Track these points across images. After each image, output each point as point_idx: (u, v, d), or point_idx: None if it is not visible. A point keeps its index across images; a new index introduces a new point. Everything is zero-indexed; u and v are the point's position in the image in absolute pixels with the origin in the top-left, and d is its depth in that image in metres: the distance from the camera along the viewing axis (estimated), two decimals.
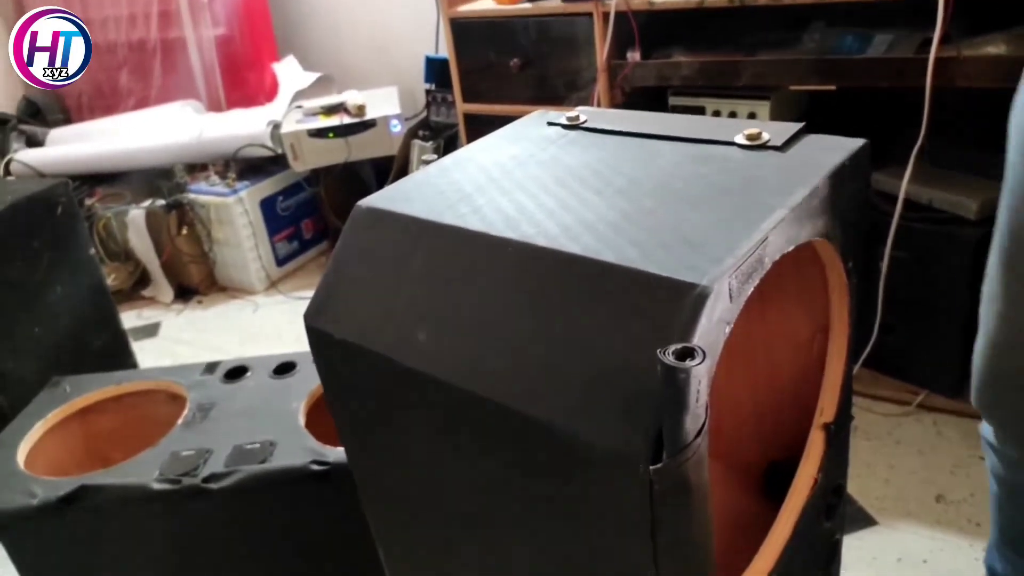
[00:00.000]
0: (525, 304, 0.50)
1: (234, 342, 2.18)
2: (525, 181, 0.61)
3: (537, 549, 0.55)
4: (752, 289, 0.47)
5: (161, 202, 2.36)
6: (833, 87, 1.63)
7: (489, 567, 0.62)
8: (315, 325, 0.61)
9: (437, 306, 0.54)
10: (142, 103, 2.81)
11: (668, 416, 0.39)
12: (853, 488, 1.38)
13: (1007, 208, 0.72)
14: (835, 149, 0.58)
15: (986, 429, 0.86)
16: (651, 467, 0.41)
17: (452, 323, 0.53)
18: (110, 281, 2.31)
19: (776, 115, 1.54)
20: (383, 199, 0.62)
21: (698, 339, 0.42)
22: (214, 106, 2.72)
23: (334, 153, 2.32)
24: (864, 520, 1.33)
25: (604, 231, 0.51)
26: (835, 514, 0.74)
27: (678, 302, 0.43)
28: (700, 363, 0.38)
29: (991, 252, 0.75)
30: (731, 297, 0.45)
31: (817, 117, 1.60)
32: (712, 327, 0.43)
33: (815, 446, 0.68)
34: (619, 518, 0.45)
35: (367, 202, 0.62)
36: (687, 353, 0.39)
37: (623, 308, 0.46)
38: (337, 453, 0.98)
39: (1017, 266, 0.72)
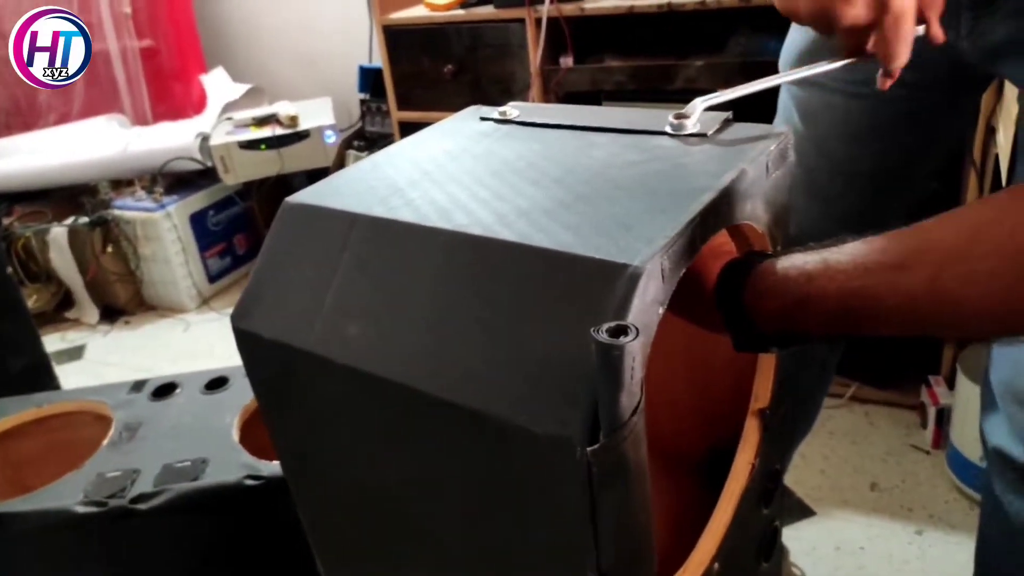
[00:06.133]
0: (457, 293, 0.49)
1: (164, 362, 2.10)
2: (459, 174, 0.60)
3: (478, 543, 0.54)
4: (685, 270, 0.47)
5: (84, 219, 2.26)
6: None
7: (430, 566, 0.60)
8: (243, 326, 0.59)
9: (367, 300, 0.53)
10: (63, 119, 2.70)
11: (603, 395, 0.39)
12: (790, 479, 1.41)
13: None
14: (760, 136, 0.59)
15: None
16: (588, 448, 0.40)
17: (382, 316, 0.52)
18: (31, 303, 2.20)
19: None
20: (312, 195, 0.61)
21: (632, 319, 0.42)
22: (140, 119, 2.63)
23: (267, 165, 2.27)
24: (802, 511, 1.36)
25: (538, 218, 0.50)
26: (773, 499, 0.75)
27: (611, 283, 0.43)
28: (634, 339, 0.38)
29: None
30: (663, 277, 0.45)
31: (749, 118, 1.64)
32: (646, 307, 0.43)
33: (751, 432, 0.68)
34: (559, 504, 0.44)
35: (295, 198, 0.61)
36: (620, 331, 0.38)
37: (557, 292, 0.45)
38: (272, 467, 0.95)
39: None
